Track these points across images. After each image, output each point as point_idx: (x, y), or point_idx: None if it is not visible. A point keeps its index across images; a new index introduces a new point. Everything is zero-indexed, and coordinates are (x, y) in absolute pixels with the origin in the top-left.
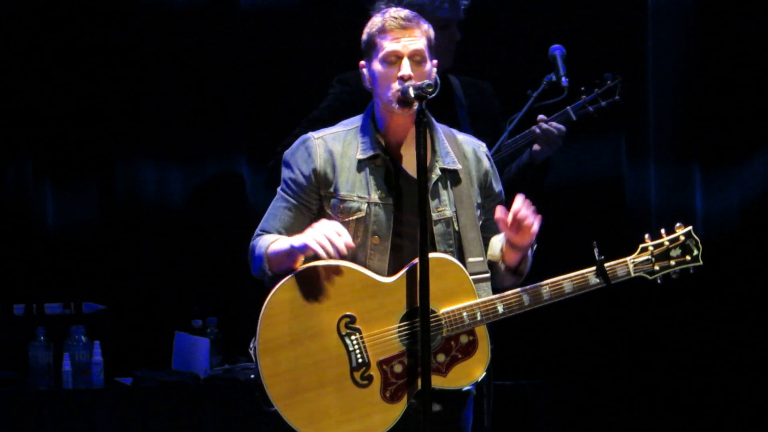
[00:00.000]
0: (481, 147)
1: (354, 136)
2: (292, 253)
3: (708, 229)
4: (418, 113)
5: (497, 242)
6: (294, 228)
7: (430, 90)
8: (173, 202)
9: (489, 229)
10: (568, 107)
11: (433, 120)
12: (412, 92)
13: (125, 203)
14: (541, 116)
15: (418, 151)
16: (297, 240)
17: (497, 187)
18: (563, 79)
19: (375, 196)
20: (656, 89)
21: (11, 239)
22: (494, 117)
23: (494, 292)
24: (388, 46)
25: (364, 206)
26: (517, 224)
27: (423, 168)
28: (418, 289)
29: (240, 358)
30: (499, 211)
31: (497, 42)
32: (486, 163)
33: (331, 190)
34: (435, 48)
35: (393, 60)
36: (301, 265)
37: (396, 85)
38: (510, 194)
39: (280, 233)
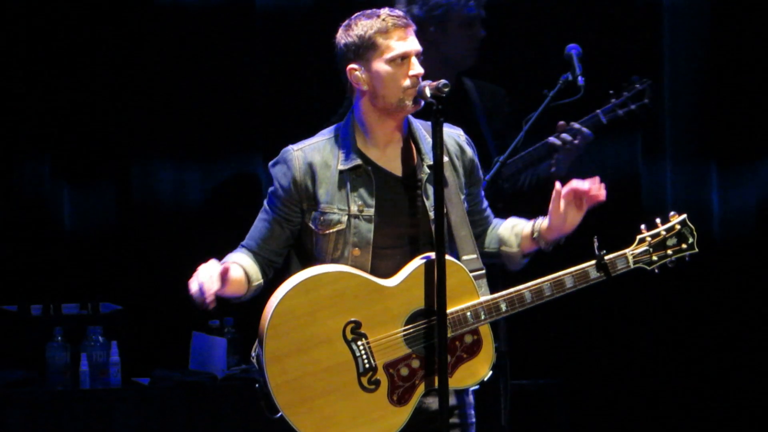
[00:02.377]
0: (461, 135)
1: (333, 145)
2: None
3: (724, 228)
4: (435, 114)
5: (508, 231)
6: (271, 241)
7: (446, 90)
8: (190, 202)
9: (478, 212)
10: (599, 111)
11: (412, 118)
12: (428, 92)
13: (142, 203)
14: (560, 122)
15: (434, 153)
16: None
17: (480, 172)
18: (579, 78)
19: (355, 209)
20: (672, 87)
21: (28, 240)
22: (507, 119)
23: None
24: (397, 46)
25: (344, 218)
26: (581, 197)
27: (440, 169)
28: (436, 291)
29: None
30: (558, 186)
31: (513, 42)
32: (470, 151)
33: (313, 202)
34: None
35: (401, 60)
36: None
37: (407, 83)
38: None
39: (258, 246)
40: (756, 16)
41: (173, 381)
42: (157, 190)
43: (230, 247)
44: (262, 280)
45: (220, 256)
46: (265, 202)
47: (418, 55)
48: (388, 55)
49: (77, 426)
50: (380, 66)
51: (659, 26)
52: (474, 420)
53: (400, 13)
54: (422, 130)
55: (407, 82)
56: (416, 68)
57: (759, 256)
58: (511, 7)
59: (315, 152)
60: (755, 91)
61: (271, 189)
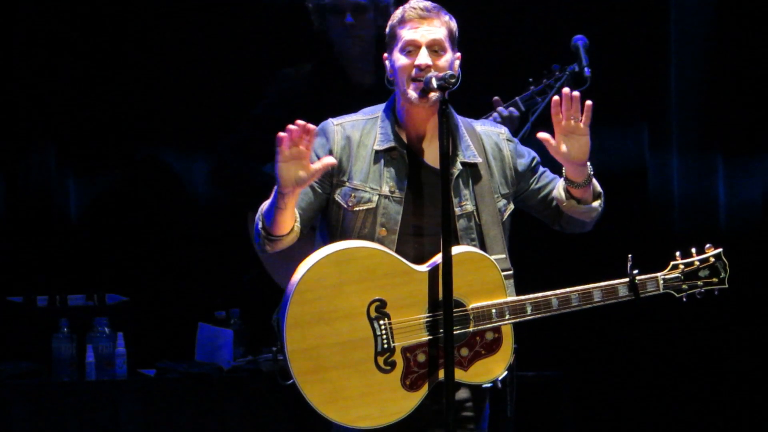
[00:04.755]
0: (501, 134)
1: (373, 125)
2: (276, 190)
3: (730, 219)
4: (441, 104)
5: (558, 190)
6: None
7: (452, 81)
8: (197, 192)
9: (548, 194)
10: (517, 97)
11: (454, 112)
12: (434, 82)
13: (148, 194)
14: (496, 98)
15: (441, 143)
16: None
17: (527, 159)
18: (586, 69)
19: (386, 189)
20: (679, 79)
21: (34, 231)
22: None
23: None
24: (406, 35)
25: (375, 198)
26: (566, 127)
27: (446, 159)
28: (440, 281)
29: (263, 350)
30: (541, 134)
31: (520, 33)
32: (507, 152)
33: (344, 178)
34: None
35: (411, 49)
36: (290, 201)
37: (411, 72)
38: None
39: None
40: (762, 8)
41: (179, 372)
42: (163, 180)
43: (238, 238)
44: (299, 230)
45: (226, 247)
46: None
47: (432, 46)
48: (400, 44)
49: (83, 417)
50: (396, 55)
51: (666, 18)
52: (488, 411)
53: (423, 4)
54: (463, 127)
55: (412, 72)
56: (421, 58)
57: (765, 247)
58: None
59: (354, 129)
60: (761, 83)
61: None
